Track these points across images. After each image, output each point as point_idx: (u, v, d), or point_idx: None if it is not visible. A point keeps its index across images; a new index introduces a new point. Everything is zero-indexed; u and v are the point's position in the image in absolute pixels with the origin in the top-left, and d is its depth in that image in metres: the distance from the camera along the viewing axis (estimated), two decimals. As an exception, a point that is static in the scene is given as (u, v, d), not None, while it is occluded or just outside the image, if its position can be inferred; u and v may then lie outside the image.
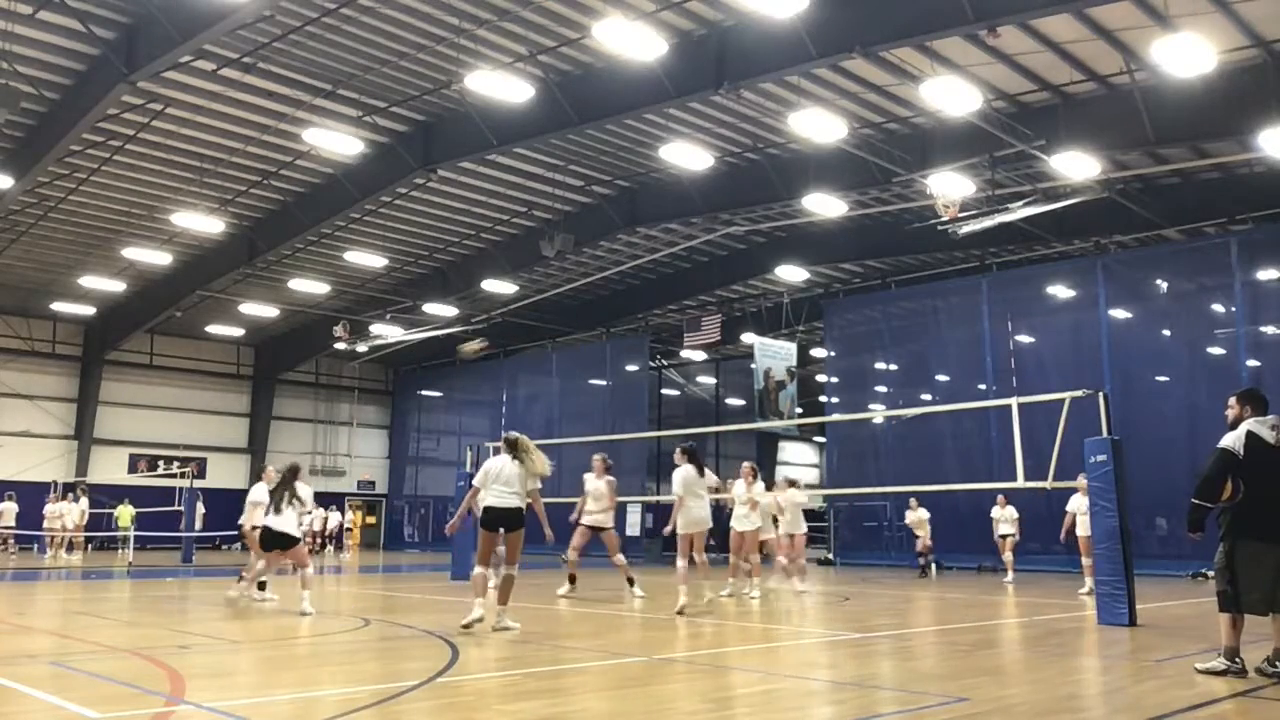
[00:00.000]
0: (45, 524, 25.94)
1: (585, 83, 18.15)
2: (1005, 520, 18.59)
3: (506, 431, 9.83)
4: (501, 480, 9.30)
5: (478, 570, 9.41)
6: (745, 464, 14.91)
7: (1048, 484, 11.60)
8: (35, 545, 27.92)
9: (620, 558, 14.05)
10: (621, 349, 32.90)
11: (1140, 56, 15.96)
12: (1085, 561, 15.29)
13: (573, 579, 13.94)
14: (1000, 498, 18.60)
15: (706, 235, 26.13)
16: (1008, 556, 18.58)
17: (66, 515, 25.77)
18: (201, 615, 11.50)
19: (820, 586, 18.11)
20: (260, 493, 13.40)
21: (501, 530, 9.36)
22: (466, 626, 9.07)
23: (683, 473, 11.68)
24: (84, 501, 26.41)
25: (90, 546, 29.78)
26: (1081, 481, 12.24)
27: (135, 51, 16.60)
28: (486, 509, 9.36)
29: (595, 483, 13.97)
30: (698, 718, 5.73)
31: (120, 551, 28.63)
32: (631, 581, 13.59)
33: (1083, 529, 15.04)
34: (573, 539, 14.00)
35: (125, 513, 27.41)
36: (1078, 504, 15.18)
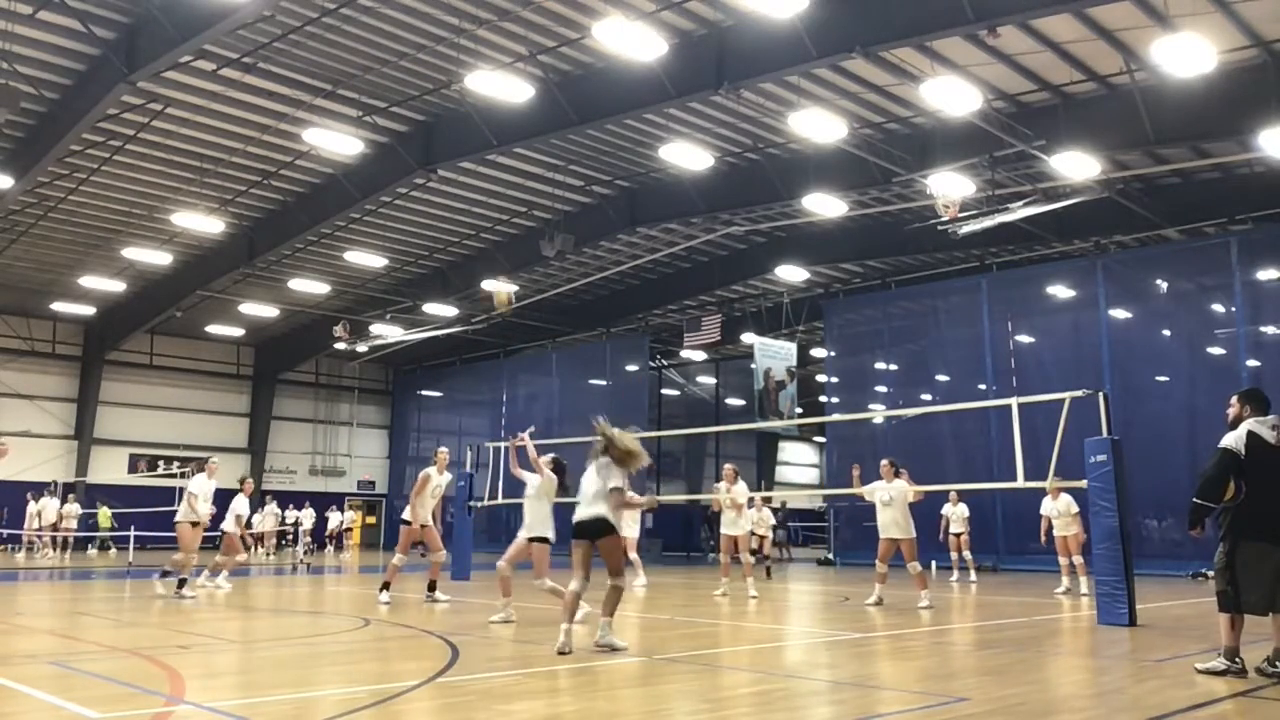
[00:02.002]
0: (25, 524, 26.02)
1: (585, 83, 18.14)
2: (957, 518, 18.58)
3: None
4: (583, 489, 8.38)
5: (573, 585, 8.17)
6: (727, 466, 15.01)
7: (1048, 484, 11.59)
8: (12, 545, 27.86)
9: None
10: (621, 349, 32.89)
11: (1140, 56, 15.95)
12: (1063, 561, 15.33)
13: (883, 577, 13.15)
14: (953, 494, 18.51)
15: (706, 235, 26.12)
16: (968, 555, 18.51)
17: (46, 514, 25.84)
18: (201, 615, 11.50)
19: (820, 586, 18.13)
20: (197, 484, 13.83)
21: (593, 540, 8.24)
22: (562, 653, 7.76)
23: (540, 480, 10.54)
24: (45, 501, 26.30)
25: (89, 547, 29.77)
26: (1052, 483, 12.15)
27: (135, 51, 16.60)
28: (574, 521, 8.41)
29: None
30: (698, 718, 5.73)
31: (96, 552, 28.62)
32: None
33: (1060, 529, 15.09)
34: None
35: (104, 514, 27.45)
36: (1049, 508, 15.22)
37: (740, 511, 14.40)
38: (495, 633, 9.41)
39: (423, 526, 12.95)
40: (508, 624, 10.01)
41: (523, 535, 10.36)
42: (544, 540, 10.26)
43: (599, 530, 8.17)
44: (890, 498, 12.58)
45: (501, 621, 10.08)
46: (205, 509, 13.89)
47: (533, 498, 10.45)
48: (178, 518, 13.82)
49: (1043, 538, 15.62)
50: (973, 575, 18.44)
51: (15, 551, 26.95)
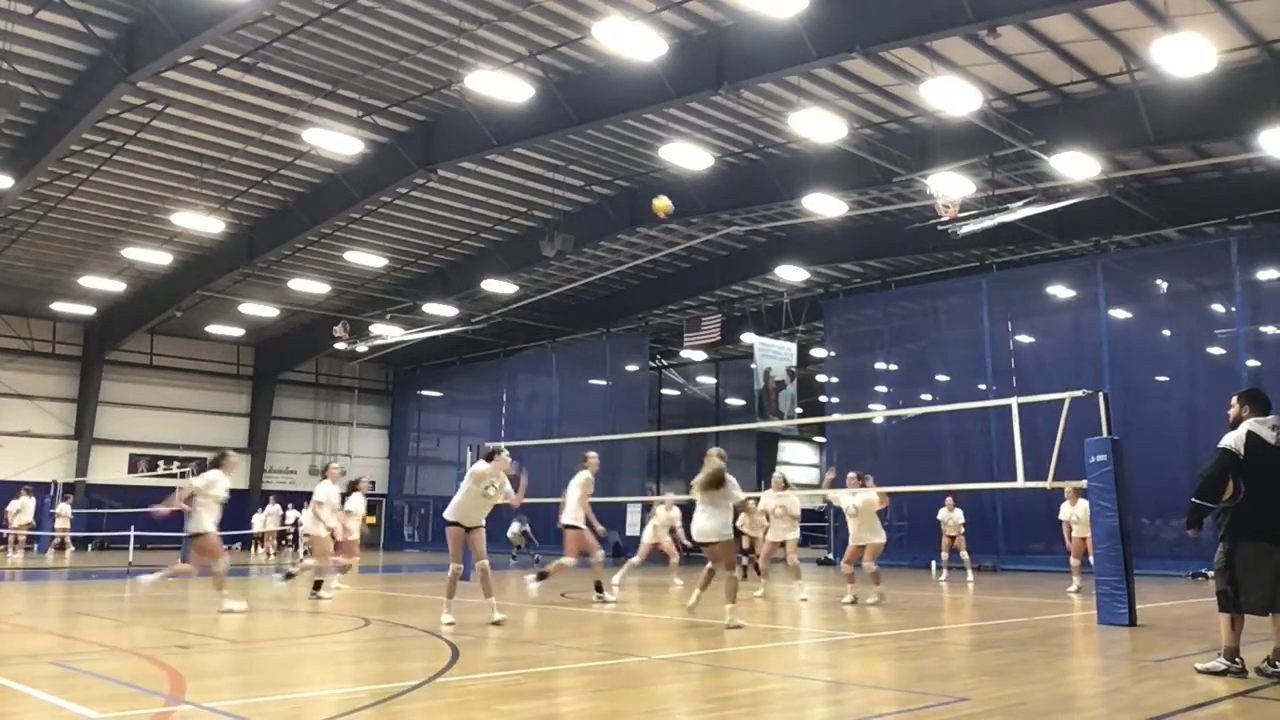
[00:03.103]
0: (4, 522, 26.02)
1: (585, 83, 18.14)
2: (951, 524, 18.68)
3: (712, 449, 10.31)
4: (702, 514, 10.12)
5: (735, 573, 10.21)
6: (776, 474, 15.43)
7: (1048, 484, 11.60)
8: (35, 545, 27.87)
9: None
10: (621, 349, 32.89)
11: (1140, 56, 15.95)
12: (1074, 562, 15.38)
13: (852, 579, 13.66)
14: (948, 500, 18.66)
15: (706, 235, 26.12)
16: (964, 555, 18.61)
17: (17, 514, 25.82)
18: (201, 615, 11.50)
19: (820, 586, 18.13)
20: (324, 491, 13.32)
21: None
22: (735, 626, 9.66)
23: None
24: (25, 500, 26.28)
25: (88, 546, 29.71)
26: (1068, 486, 12.20)
27: (135, 51, 16.59)
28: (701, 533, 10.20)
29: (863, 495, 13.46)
30: (697, 718, 5.74)
31: (53, 552, 28.50)
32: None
33: (1079, 531, 15.14)
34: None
35: (63, 511, 27.60)
36: (1068, 513, 15.28)
37: (792, 522, 14.30)
38: (495, 633, 9.40)
39: (570, 528, 12.80)
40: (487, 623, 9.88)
41: (463, 525, 10.07)
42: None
43: (718, 539, 10.07)
44: (856, 509, 12.99)
45: (451, 624, 9.74)
46: (331, 517, 13.29)
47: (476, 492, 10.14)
48: (306, 528, 13.35)
49: (1067, 542, 15.69)
50: (969, 575, 18.45)
51: (12, 551, 26.90)
